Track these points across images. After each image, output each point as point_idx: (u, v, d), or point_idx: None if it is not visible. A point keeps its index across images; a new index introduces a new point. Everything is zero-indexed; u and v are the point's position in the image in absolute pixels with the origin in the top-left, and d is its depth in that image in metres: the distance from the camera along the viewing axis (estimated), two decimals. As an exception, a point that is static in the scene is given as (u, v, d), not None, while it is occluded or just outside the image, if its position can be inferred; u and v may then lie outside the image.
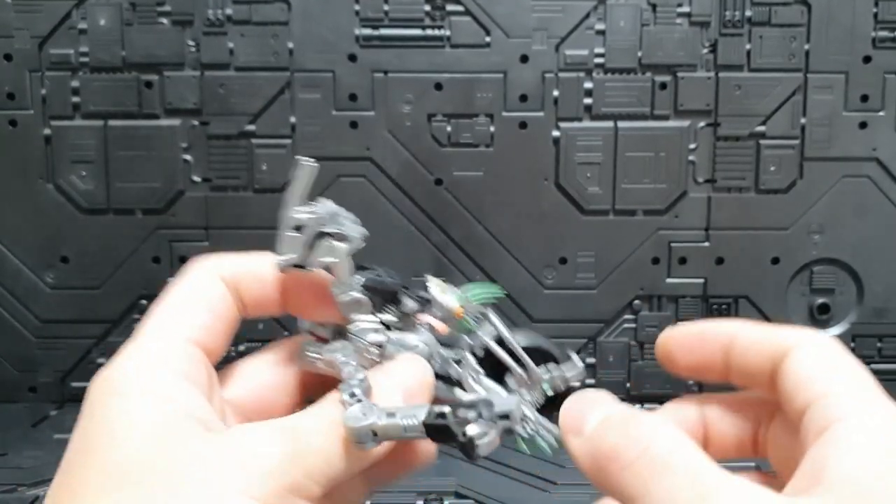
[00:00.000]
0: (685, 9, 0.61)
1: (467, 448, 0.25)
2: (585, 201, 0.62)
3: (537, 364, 0.31)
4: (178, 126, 0.61)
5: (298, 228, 0.28)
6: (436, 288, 0.30)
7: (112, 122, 0.61)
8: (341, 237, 0.29)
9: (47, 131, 0.61)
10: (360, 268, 0.30)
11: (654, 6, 0.61)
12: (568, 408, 0.26)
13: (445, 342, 0.31)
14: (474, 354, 0.31)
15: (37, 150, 0.61)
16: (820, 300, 0.64)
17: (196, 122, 0.61)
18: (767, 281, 0.63)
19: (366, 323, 0.30)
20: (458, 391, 0.31)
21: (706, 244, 0.63)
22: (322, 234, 0.28)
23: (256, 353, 0.32)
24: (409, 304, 0.30)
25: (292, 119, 0.61)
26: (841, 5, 0.61)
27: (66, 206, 0.62)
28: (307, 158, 0.28)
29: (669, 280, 0.63)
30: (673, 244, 0.63)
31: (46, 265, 0.62)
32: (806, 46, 0.61)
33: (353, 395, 0.27)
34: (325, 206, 0.29)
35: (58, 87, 0.61)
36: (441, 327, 0.31)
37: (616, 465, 0.22)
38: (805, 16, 0.61)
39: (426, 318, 0.31)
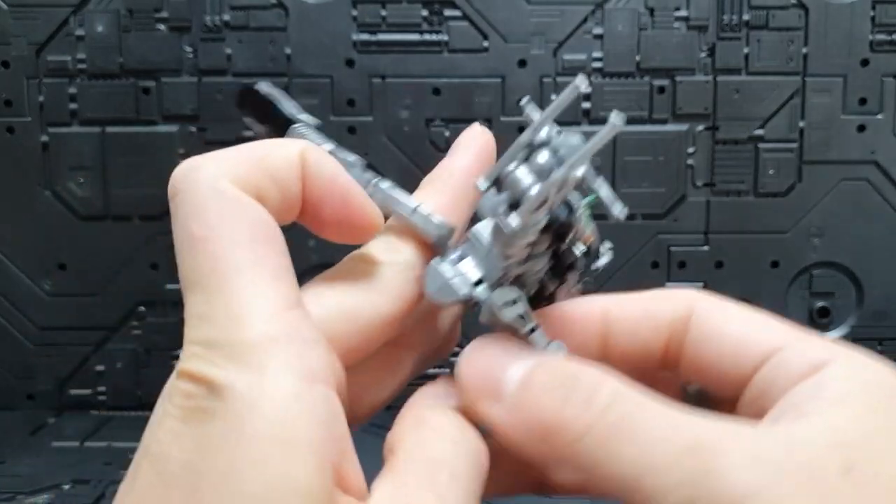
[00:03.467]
0: (683, 13, 0.61)
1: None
2: (584, 206, 0.62)
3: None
4: (175, 132, 0.61)
5: (497, 182, 0.20)
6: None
7: (110, 129, 0.61)
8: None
9: (45, 138, 0.61)
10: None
11: (651, 10, 0.61)
12: (469, 362, 0.20)
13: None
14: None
15: (34, 156, 0.61)
16: (820, 304, 0.64)
17: (194, 129, 0.61)
18: (767, 285, 0.63)
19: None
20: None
21: (705, 248, 0.63)
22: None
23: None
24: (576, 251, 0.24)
25: (290, 125, 0.61)
26: (838, 9, 0.61)
27: (63, 213, 0.62)
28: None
29: (669, 284, 0.63)
30: (672, 248, 0.63)
31: (44, 272, 0.62)
32: (804, 50, 0.61)
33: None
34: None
35: (55, 94, 0.61)
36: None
37: (563, 438, 0.18)
38: (803, 19, 0.61)
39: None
